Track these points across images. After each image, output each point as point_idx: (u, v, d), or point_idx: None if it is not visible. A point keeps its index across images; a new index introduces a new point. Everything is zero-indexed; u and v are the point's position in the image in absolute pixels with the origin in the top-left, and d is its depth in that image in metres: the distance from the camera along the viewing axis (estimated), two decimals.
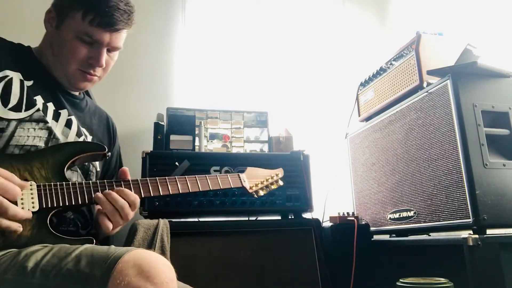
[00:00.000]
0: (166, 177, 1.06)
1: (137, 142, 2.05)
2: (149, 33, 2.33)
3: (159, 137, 1.79)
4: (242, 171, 1.24)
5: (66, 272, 0.76)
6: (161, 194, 1.03)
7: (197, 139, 1.87)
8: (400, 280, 1.26)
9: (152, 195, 1.02)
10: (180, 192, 1.06)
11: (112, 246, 0.83)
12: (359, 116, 1.99)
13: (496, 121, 1.35)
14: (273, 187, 1.28)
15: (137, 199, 0.97)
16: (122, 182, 0.99)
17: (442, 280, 1.20)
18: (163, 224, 1.48)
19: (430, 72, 1.45)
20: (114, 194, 0.94)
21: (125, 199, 0.95)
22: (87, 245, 0.85)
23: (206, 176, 1.12)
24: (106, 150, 1.04)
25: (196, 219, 1.73)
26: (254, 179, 1.23)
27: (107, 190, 0.95)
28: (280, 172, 1.30)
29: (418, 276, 1.27)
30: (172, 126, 1.86)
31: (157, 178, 1.05)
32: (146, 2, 2.34)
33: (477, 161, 1.26)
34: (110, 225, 0.95)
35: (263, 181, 1.25)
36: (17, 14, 2.13)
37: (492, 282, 1.16)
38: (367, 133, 1.85)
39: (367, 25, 2.75)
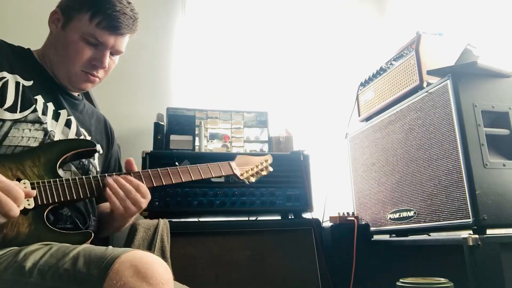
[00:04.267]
0: (159, 169, 1.08)
1: (137, 142, 2.05)
2: (149, 33, 2.33)
3: (159, 137, 1.79)
4: (233, 159, 1.26)
5: (63, 272, 0.76)
6: (154, 185, 1.06)
7: (197, 139, 1.87)
8: (400, 280, 1.26)
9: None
10: (173, 182, 1.09)
11: (110, 247, 0.83)
12: (359, 116, 1.99)
13: (496, 121, 1.35)
14: (264, 173, 1.31)
15: (140, 185, 1.01)
16: (114, 175, 1.02)
17: (442, 280, 1.20)
18: (163, 224, 1.48)
19: (430, 72, 1.45)
20: (121, 179, 0.99)
21: (131, 185, 0.99)
22: (85, 245, 0.85)
23: (197, 166, 1.15)
24: (97, 146, 1.06)
25: (196, 219, 1.73)
26: (244, 166, 1.26)
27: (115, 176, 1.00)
28: (269, 158, 1.33)
29: (418, 276, 1.27)
30: (172, 126, 1.86)
31: (149, 170, 1.07)
32: (145, 1, 2.34)
33: (477, 161, 1.26)
34: (122, 209, 0.98)
35: (253, 167, 1.28)
36: (18, 17, 2.13)
37: (492, 282, 1.16)
38: (367, 133, 1.85)
39: (367, 25, 2.75)
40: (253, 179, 1.27)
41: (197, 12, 2.49)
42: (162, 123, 1.84)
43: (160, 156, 1.65)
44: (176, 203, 1.58)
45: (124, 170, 1.08)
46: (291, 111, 2.43)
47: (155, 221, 1.48)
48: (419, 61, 1.55)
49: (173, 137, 1.82)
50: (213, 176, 1.18)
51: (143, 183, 1.03)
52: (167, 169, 1.09)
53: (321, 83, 2.56)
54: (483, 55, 1.40)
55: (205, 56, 2.44)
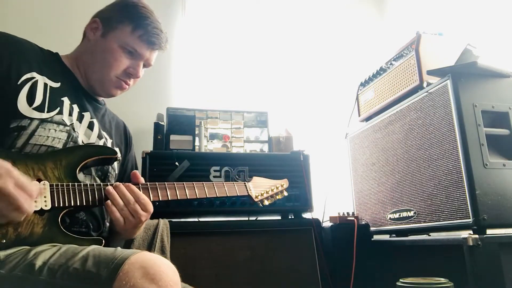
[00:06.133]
0: (174, 183, 1.08)
1: (137, 142, 2.04)
2: None
3: (159, 137, 1.79)
4: (248, 179, 1.26)
5: (73, 271, 0.78)
6: (169, 198, 1.06)
7: (197, 139, 1.87)
8: (400, 280, 1.26)
9: (160, 199, 1.04)
10: (188, 197, 1.09)
11: (119, 248, 0.84)
12: (359, 116, 1.99)
13: (496, 121, 1.35)
14: (278, 197, 1.29)
15: (142, 196, 0.99)
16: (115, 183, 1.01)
17: (442, 280, 1.20)
18: (163, 224, 1.48)
19: (430, 72, 1.45)
20: (122, 187, 0.98)
21: (132, 195, 0.98)
22: (94, 246, 0.86)
23: (213, 183, 1.15)
24: (118, 154, 1.09)
25: (196, 219, 1.73)
26: (259, 189, 1.25)
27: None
28: (285, 183, 1.31)
29: (418, 276, 1.27)
30: (172, 126, 1.86)
31: (165, 183, 1.07)
32: (145, 1, 2.34)
33: (477, 161, 1.26)
34: (122, 219, 0.96)
35: (268, 190, 1.26)
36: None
37: (492, 282, 1.16)
38: (367, 133, 1.85)
39: (367, 25, 2.75)
40: (267, 202, 1.26)
41: (197, 13, 2.49)
42: (162, 123, 1.84)
43: (160, 156, 1.65)
44: (176, 203, 1.58)
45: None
46: (291, 111, 2.43)
47: (155, 221, 1.48)
48: (419, 61, 1.55)
49: (173, 137, 1.82)
50: (228, 195, 1.17)
51: (158, 195, 1.04)
52: (183, 184, 1.09)
53: (321, 83, 2.56)
54: (483, 55, 1.40)
55: (205, 56, 2.44)
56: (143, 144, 1.88)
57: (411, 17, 2.48)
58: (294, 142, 1.96)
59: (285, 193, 1.31)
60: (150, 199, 1.02)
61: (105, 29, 1.17)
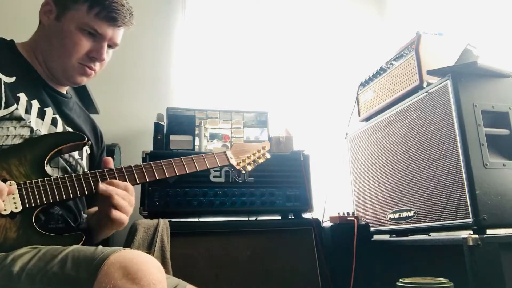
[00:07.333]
0: (152, 162, 1.02)
1: (137, 142, 2.06)
2: (149, 33, 2.33)
3: (159, 137, 1.79)
4: (228, 148, 1.23)
5: (52, 276, 0.74)
6: (148, 180, 1.01)
7: (197, 139, 1.87)
8: (400, 280, 1.26)
9: (138, 182, 0.99)
10: (167, 176, 1.03)
11: (100, 247, 0.81)
12: (359, 116, 1.99)
13: (496, 121, 1.35)
14: (260, 161, 1.27)
15: (128, 185, 0.95)
16: (106, 172, 0.96)
17: (442, 280, 1.20)
18: (163, 224, 1.48)
19: (430, 72, 1.45)
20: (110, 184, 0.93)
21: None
22: (74, 246, 0.82)
23: (192, 157, 1.10)
24: (86, 139, 1.01)
25: (196, 219, 1.73)
26: (240, 155, 1.21)
27: (108, 180, 0.94)
28: (266, 145, 1.29)
29: (418, 276, 1.27)
30: (172, 126, 1.86)
31: (142, 164, 1.01)
32: (145, 1, 2.35)
33: (477, 161, 1.26)
34: (125, 217, 0.92)
35: (250, 156, 1.23)
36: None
37: (492, 282, 1.16)
38: (367, 133, 1.85)
39: (367, 25, 2.75)
40: (249, 168, 1.22)
41: (197, 12, 2.49)
42: (162, 123, 1.84)
43: (160, 156, 1.62)
44: (176, 203, 1.58)
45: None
46: (291, 111, 2.43)
47: (155, 221, 1.48)
48: (419, 61, 1.55)
49: (173, 137, 1.82)
50: (209, 167, 1.12)
51: (136, 179, 0.98)
52: (160, 162, 1.03)
53: (321, 83, 2.56)
54: (483, 55, 1.40)
55: (205, 56, 2.44)
56: (143, 144, 1.88)
57: (411, 17, 2.48)
58: (294, 142, 1.95)
59: (268, 156, 1.29)
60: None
61: (58, 11, 1.05)
